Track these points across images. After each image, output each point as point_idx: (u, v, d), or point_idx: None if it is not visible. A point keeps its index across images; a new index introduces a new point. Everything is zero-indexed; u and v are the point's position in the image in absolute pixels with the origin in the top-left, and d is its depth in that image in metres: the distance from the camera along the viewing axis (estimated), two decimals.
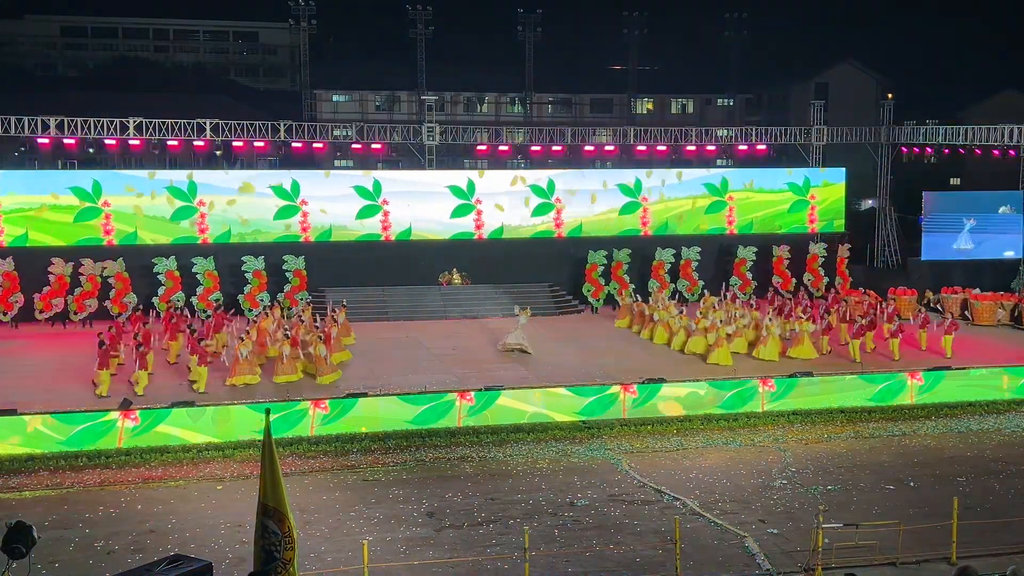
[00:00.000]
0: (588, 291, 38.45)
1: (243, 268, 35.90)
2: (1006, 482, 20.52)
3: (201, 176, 37.39)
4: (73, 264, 34.59)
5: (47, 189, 35.81)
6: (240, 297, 35.39)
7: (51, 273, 34.36)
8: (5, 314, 34.12)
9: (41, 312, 34.09)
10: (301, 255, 36.62)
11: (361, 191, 38.25)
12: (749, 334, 31.00)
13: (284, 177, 37.90)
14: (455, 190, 39.01)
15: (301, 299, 35.23)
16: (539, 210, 39.71)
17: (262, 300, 35.11)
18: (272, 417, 13.18)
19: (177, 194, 36.65)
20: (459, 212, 39.03)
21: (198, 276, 35.41)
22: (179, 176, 37.16)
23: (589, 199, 40.06)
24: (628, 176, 40.70)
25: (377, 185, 38.36)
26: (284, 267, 36.20)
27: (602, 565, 16.17)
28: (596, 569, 16.04)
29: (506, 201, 39.36)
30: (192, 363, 26.37)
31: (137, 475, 20.60)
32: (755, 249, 39.87)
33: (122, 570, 13.05)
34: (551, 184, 39.77)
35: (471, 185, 39.13)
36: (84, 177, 36.49)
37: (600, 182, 40.49)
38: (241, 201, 37.24)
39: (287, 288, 35.91)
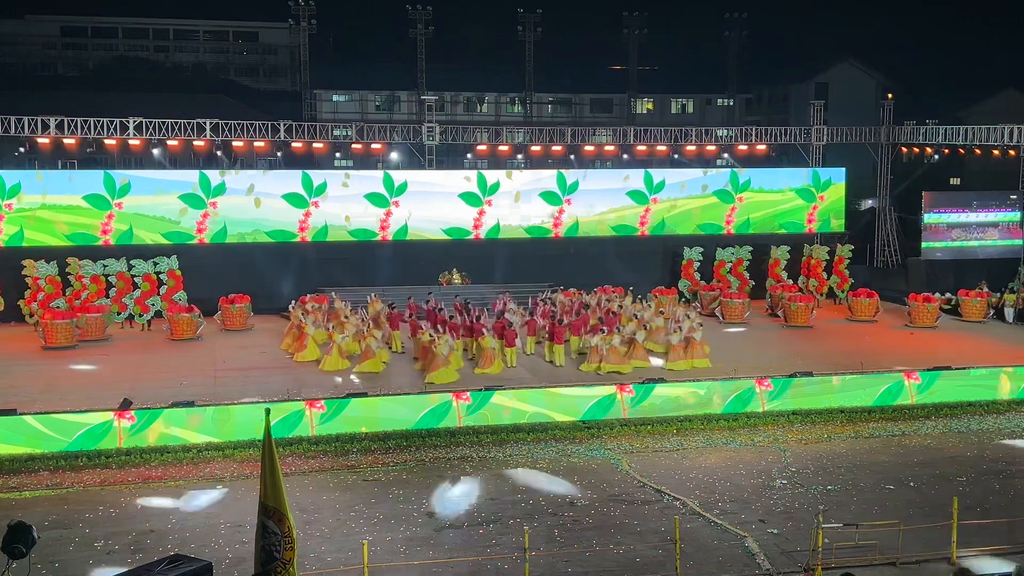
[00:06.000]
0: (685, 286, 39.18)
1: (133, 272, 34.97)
2: (1006, 482, 20.53)
3: (225, 176, 37.40)
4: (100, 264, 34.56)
5: (48, 189, 35.75)
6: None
7: (25, 276, 34.06)
8: (119, 314, 34.26)
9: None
10: (296, 254, 37.04)
11: (387, 181, 38.43)
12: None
13: (315, 176, 38.07)
14: (480, 182, 39.16)
15: (178, 300, 34.53)
16: (546, 197, 39.73)
17: (152, 304, 34.46)
18: (273, 421, 13.17)
19: (195, 193, 36.69)
20: (472, 203, 39.39)
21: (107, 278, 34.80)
22: (204, 176, 37.13)
23: (605, 199, 40.19)
24: (655, 175, 40.72)
25: (403, 186, 38.50)
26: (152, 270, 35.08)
27: (602, 565, 16.16)
28: (596, 569, 16.03)
29: (520, 199, 39.56)
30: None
31: (137, 475, 20.58)
32: (750, 248, 39.89)
33: (122, 570, 13.06)
34: (575, 184, 39.87)
35: (495, 185, 39.28)
36: (103, 176, 36.33)
37: (619, 182, 40.59)
38: (253, 201, 37.34)
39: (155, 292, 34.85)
